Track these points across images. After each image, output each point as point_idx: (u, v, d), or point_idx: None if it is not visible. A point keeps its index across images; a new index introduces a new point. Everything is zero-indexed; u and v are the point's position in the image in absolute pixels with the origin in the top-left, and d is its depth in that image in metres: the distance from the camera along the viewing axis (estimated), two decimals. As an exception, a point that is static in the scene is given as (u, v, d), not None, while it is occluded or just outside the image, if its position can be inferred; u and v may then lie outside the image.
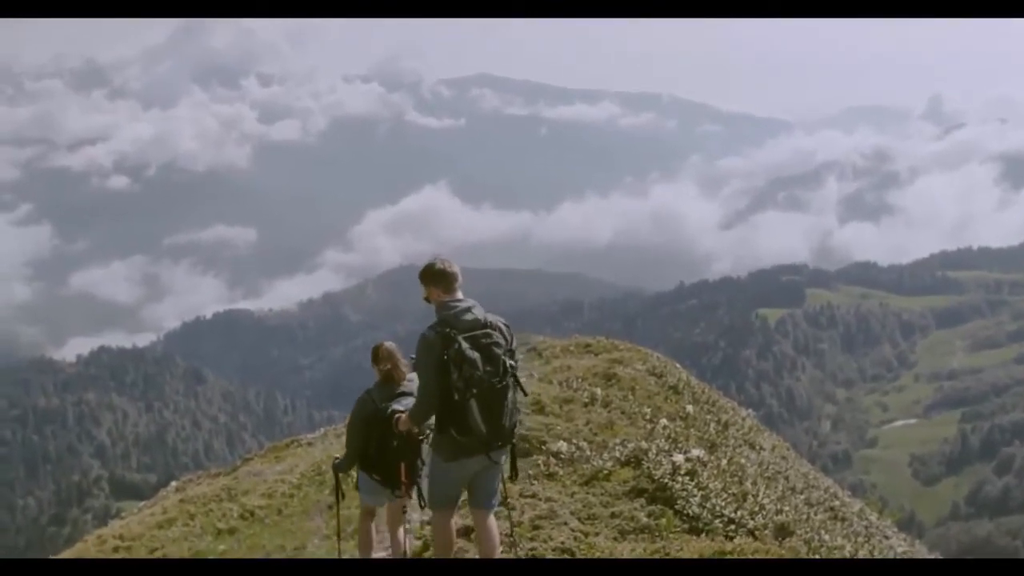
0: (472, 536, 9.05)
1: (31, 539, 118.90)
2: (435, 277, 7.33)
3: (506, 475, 7.72)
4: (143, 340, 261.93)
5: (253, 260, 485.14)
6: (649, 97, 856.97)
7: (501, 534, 8.67)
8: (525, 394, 7.39)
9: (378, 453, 8.44)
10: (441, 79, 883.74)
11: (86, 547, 13.62)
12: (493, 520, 7.66)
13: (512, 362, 7.12)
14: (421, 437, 8.16)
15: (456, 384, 6.86)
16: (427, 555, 9.02)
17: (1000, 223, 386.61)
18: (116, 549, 12.91)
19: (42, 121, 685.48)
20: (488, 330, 7.07)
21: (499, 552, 7.77)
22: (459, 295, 7.28)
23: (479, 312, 7.14)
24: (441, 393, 6.95)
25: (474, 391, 6.87)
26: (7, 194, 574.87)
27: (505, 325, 7.26)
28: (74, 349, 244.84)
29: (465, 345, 6.89)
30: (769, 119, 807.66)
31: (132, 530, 13.69)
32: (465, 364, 6.85)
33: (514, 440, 7.36)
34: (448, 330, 7.00)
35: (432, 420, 7.35)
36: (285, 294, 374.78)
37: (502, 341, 7.11)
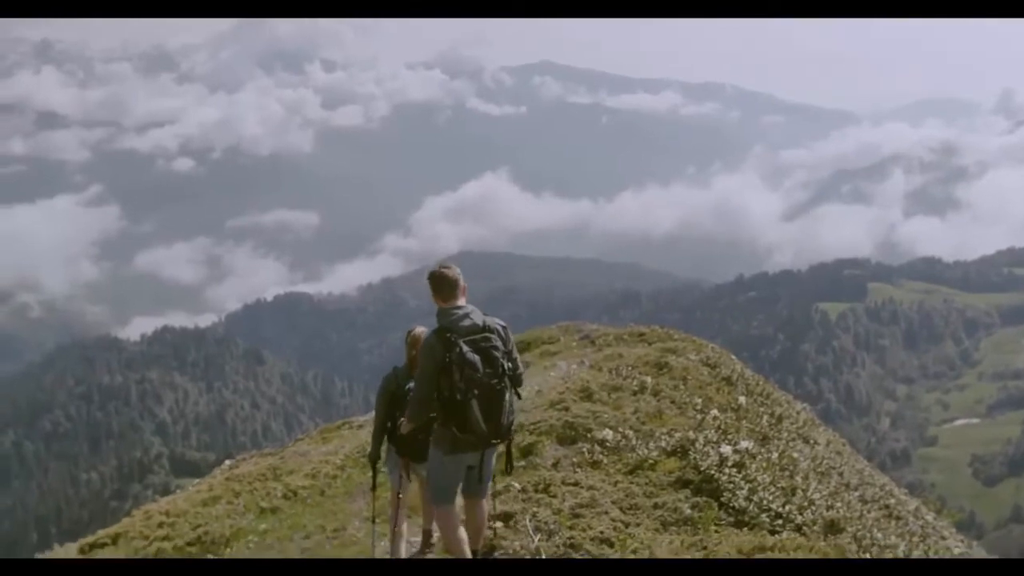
0: (510, 522, 9.03)
1: (94, 512, 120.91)
2: (438, 283, 7.58)
3: (503, 469, 8.09)
4: (205, 321, 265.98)
5: (314, 244, 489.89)
6: (712, 87, 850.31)
7: (541, 521, 9.07)
8: (519, 397, 7.66)
9: (396, 427, 8.79)
10: (503, 67, 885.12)
11: (132, 522, 13.70)
12: (483, 504, 8.03)
13: (509, 364, 7.37)
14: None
15: (458, 385, 7.13)
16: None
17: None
18: (161, 524, 12.96)
19: (111, 104, 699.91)
20: (487, 333, 7.36)
21: (484, 532, 8.18)
22: (460, 301, 7.53)
23: (477, 317, 7.43)
24: (444, 393, 7.22)
25: (475, 392, 7.15)
26: (77, 175, 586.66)
27: (503, 327, 7.56)
28: (138, 328, 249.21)
29: (466, 348, 7.17)
30: (834, 110, 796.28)
31: (178, 506, 13.74)
32: (466, 366, 7.13)
33: (511, 437, 7.66)
34: (449, 335, 7.26)
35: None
36: (345, 278, 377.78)
37: (500, 344, 7.38)
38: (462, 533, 7.85)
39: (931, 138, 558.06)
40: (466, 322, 7.37)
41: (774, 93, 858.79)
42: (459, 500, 8.02)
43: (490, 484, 8.08)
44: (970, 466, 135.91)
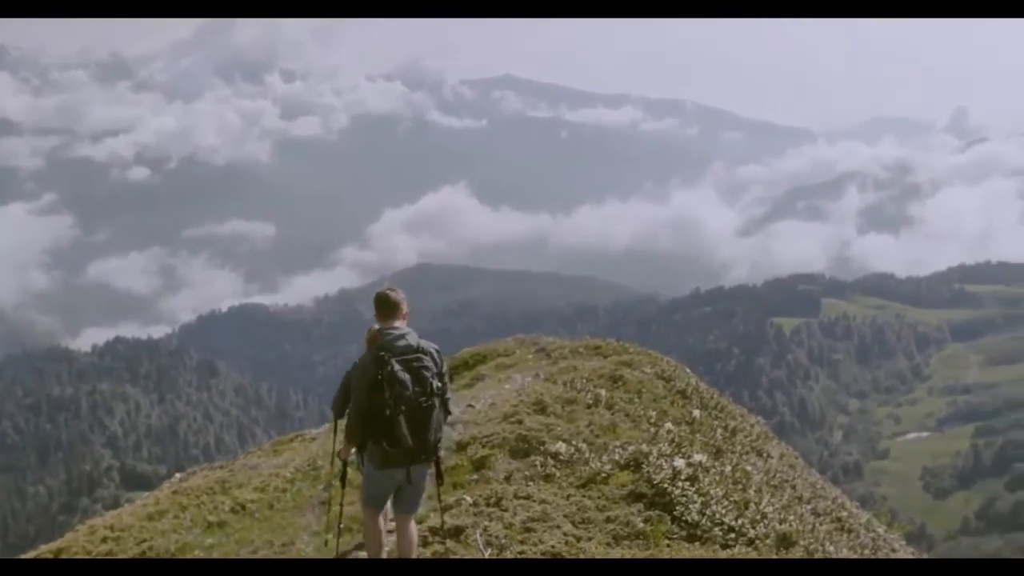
0: (461, 537, 8.95)
1: (41, 527, 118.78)
2: (379, 305, 8.15)
3: (434, 482, 8.50)
4: (158, 332, 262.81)
5: (270, 255, 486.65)
6: (672, 103, 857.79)
7: (492, 536, 9.04)
8: (448, 413, 8.13)
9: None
10: (464, 80, 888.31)
11: (76, 537, 13.36)
12: (413, 524, 8.43)
13: (439, 384, 7.83)
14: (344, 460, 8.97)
15: (388, 401, 7.61)
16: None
17: (1020, 238, 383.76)
18: (105, 539, 12.62)
19: (66, 112, 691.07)
20: (419, 355, 7.82)
21: (415, 553, 8.49)
22: (398, 323, 8.02)
23: (412, 339, 7.88)
24: (374, 409, 7.68)
25: (403, 408, 7.63)
26: (29, 183, 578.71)
27: (436, 351, 8.01)
28: (89, 339, 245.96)
29: (397, 367, 7.64)
30: (791, 127, 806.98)
31: (123, 520, 13.40)
32: (396, 384, 7.60)
33: (439, 454, 8.14)
34: (383, 353, 7.72)
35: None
36: (301, 290, 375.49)
37: (431, 365, 7.84)
38: (382, 534, 8.41)
39: (885, 156, 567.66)
40: (401, 342, 7.80)
41: (733, 110, 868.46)
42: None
43: (422, 501, 8.52)
44: (921, 479, 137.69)
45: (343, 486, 9.19)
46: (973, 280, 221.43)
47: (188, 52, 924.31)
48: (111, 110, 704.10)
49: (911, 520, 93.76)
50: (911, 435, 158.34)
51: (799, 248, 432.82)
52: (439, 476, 8.31)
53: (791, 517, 10.59)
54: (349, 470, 9.15)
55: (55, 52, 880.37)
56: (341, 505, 9.54)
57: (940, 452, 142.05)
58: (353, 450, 8.93)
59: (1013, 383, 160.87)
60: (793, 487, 13.92)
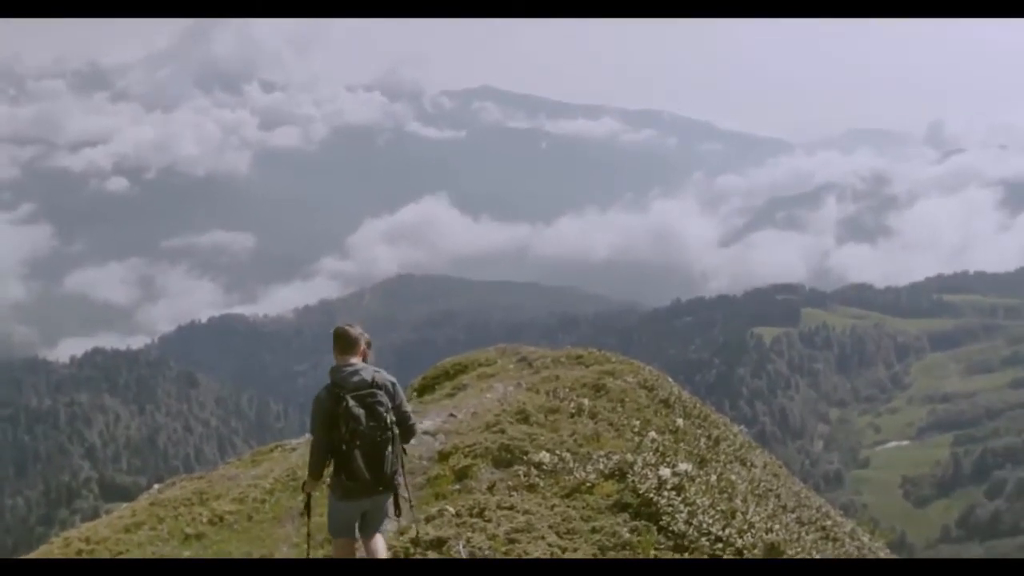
0: (443, 548, 8.86)
1: (19, 539, 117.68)
2: (336, 340, 8.34)
3: (391, 514, 8.56)
4: (137, 342, 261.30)
5: (250, 265, 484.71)
6: (650, 114, 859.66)
7: (475, 547, 9.06)
8: (410, 438, 8.47)
9: None
10: (443, 90, 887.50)
11: (50, 549, 13.13)
12: (379, 537, 8.56)
13: (393, 418, 8.03)
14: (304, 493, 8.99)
15: (344, 437, 7.83)
16: None
17: (997, 248, 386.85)
18: (80, 552, 12.41)
19: (43, 121, 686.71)
20: (373, 389, 8.00)
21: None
22: (353, 359, 8.20)
23: (367, 374, 8.07)
24: (332, 444, 7.95)
25: (358, 443, 7.83)
26: (7, 193, 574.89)
27: (392, 384, 8.22)
28: (68, 350, 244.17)
29: (352, 403, 7.86)
30: (769, 138, 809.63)
31: (99, 533, 13.17)
32: (351, 420, 7.81)
33: (396, 485, 8.22)
34: (337, 390, 7.96)
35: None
36: (281, 300, 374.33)
37: (385, 400, 8.03)
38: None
39: (863, 167, 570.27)
40: (355, 378, 7.99)
41: (711, 120, 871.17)
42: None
43: (384, 525, 8.66)
44: (901, 487, 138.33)
45: (308, 517, 9.18)
46: (951, 290, 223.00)
47: (166, 62, 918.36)
48: (89, 120, 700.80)
49: (891, 528, 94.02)
50: (891, 444, 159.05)
51: (778, 258, 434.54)
52: (396, 508, 8.38)
53: (777, 527, 10.50)
54: (313, 502, 9.09)
55: (31, 62, 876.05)
56: (308, 535, 9.62)
57: (920, 461, 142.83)
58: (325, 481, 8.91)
59: (991, 392, 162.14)
60: (778, 496, 13.84)
